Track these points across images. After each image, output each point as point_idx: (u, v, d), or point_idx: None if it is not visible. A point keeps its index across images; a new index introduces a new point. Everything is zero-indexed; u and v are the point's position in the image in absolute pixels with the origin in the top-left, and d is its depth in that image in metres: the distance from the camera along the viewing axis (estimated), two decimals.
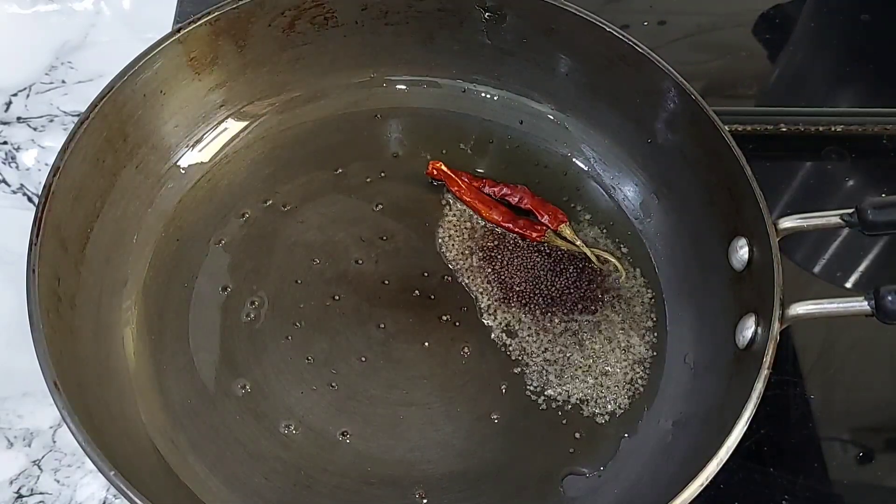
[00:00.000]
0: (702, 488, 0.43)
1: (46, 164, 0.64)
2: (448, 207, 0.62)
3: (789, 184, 0.69)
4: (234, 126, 0.63)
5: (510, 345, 0.56)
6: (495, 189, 0.61)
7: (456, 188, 0.61)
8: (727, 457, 0.44)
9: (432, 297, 0.58)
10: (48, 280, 0.48)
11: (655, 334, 0.57)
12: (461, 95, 0.66)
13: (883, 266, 0.66)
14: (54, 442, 0.54)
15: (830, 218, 0.50)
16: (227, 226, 0.60)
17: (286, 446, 0.52)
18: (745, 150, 0.53)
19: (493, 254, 0.60)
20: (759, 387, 0.46)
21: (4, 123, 0.67)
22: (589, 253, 0.59)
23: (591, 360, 0.56)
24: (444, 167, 0.62)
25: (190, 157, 0.61)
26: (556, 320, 0.57)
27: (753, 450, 0.56)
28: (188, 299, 0.56)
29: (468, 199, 0.61)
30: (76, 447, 0.45)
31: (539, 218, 0.60)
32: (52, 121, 0.67)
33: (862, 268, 0.66)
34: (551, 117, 0.65)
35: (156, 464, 0.50)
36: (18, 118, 0.67)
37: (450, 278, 0.59)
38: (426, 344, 0.56)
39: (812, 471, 0.56)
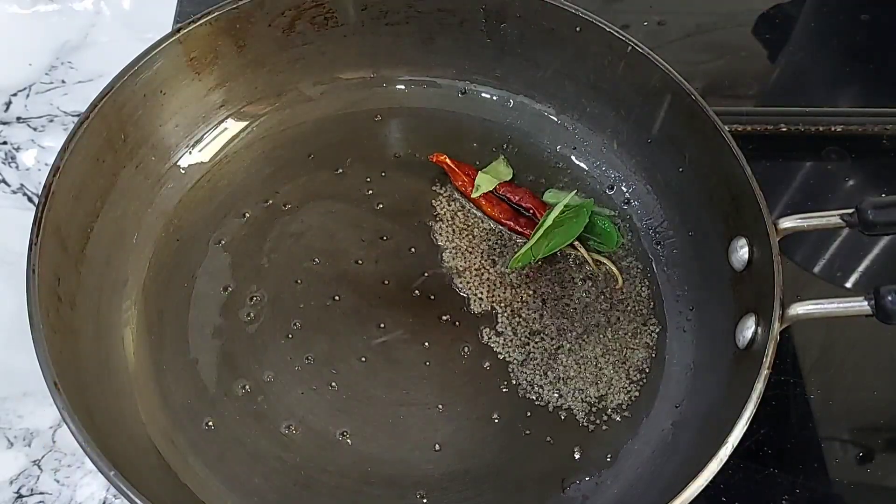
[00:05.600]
0: (702, 488, 0.43)
1: (46, 164, 0.64)
2: (448, 207, 0.62)
3: (789, 184, 0.69)
4: (234, 126, 0.63)
5: (510, 345, 0.56)
6: (497, 186, 0.61)
7: (460, 182, 0.62)
8: (727, 457, 0.44)
9: (432, 297, 0.58)
10: (48, 280, 0.48)
11: (655, 334, 0.57)
12: (461, 95, 0.66)
13: (883, 266, 0.66)
14: (54, 442, 0.54)
15: (830, 218, 0.50)
16: (227, 226, 0.60)
17: (286, 446, 0.52)
18: (745, 150, 0.53)
19: (493, 254, 0.60)
20: (759, 387, 0.46)
21: (4, 123, 0.67)
22: (587, 255, 0.59)
23: (591, 360, 0.56)
24: (448, 160, 0.62)
25: (190, 157, 0.61)
26: (556, 320, 0.57)
27: (753, 450, 0.56)
28: (188, 299, 0.56)
29: (470, 194, 0.61)
30: (76, 447, 0.45)
31: (539, 218, 0.60)
32: (52, 121, 0.67)
33: (862, 268, 0.66)
34: (551, 117, 0.65)
35: (156, 464, 0.50)
36: (18, 118, 0.67)
37: (450, 278, 0.59)
38: (426, 344, 0.56)
39: (812, 471, 0.56)
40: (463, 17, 0.63)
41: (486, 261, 0.59)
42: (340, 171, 0.63)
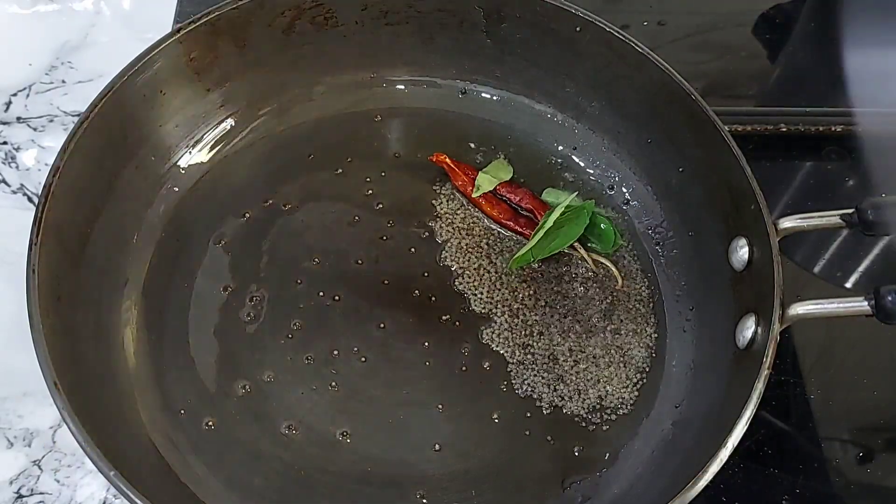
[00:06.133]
0: (702, 488, 0.43)
1: (46, 164, 0.64)
2: (448, 207, 0.62)
3: (789, 184, 0.69)
4: (234, 126, 0.63)
5: (510, 345, 0.56)
6: (497, 186, 0.61)
7: (460, 182, 0.62)
8: (727, 457, 0.44)
9: (432, 297, 0.58)
10: (48, 280, 0.48)
11: (655, 335, 0.57)
12: (461, 96, 0.66)
13: (883, 266, 0.66)
14: (54, 442, 0.54)
15: (830, 218, 0.50)
16: (227, 226, 0.60)
17: (286, 446, 0.52)
18: (745, 150, 0.53)
19: (492, 254, 0.60)
20: (759, 387, 0.46)
21: (4, 123, 0.67)
22: (586, 256, 0.59)
23: (591, 361, 0.56)
24: (448, 160, 0.62)
25: (190, 157, 0.61)
26: (556, 321, 0.57)
27: (753, 450, 0.56)
28: (188, 299, 0.56)
29: (470, 193, 0.61)
30: (76, 447, 0.45)
31: (539, 218, 0.60)
32: (52, 121, 0.67)
33: (862, 268, 0.66)
34: (551, 117, 0.65)
35: (156, 464, 0.50)
36: (18, 118, 0.67)
37: (450, 278, 0.59)
38: (426, 344, 0.56)
39: (812, 471, 0.56)
40: (463, 17, 0.63)
41: (485, 261, 0.59)
42: (340, 171, 0.63)
